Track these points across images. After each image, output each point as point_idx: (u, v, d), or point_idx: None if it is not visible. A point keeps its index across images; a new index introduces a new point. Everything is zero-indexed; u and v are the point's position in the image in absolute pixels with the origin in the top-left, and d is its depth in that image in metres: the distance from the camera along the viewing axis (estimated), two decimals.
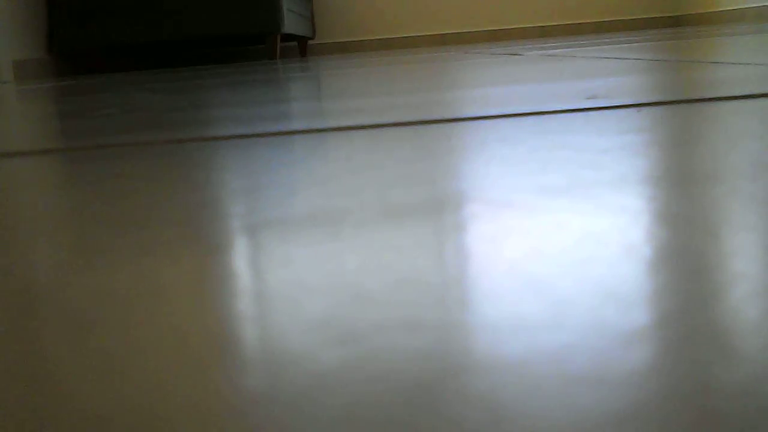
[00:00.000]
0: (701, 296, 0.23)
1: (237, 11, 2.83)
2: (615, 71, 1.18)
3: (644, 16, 4.80)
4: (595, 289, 0.24)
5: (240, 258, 0.31)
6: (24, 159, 0.70)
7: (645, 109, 0.68)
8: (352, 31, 4.78)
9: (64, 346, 0.23)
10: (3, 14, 2.54)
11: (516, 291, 0.24)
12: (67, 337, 0.24)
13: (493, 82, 1.15)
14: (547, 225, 0.32)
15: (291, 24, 3.18)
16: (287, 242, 0.33)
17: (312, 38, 4.46)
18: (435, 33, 4.81)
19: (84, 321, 0.25)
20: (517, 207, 0.36)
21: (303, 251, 0.31)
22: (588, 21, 4.81)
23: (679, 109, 0.67)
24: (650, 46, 2.09)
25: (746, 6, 4.06)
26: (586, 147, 0.51)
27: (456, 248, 0.30)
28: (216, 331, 0.23)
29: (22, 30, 2.66)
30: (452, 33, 4.81)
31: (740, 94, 0.73)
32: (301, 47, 4.30)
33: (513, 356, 0.19)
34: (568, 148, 0.51)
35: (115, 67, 2.99)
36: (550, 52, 2.23)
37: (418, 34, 4.80)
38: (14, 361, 0.22)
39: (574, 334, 0.21)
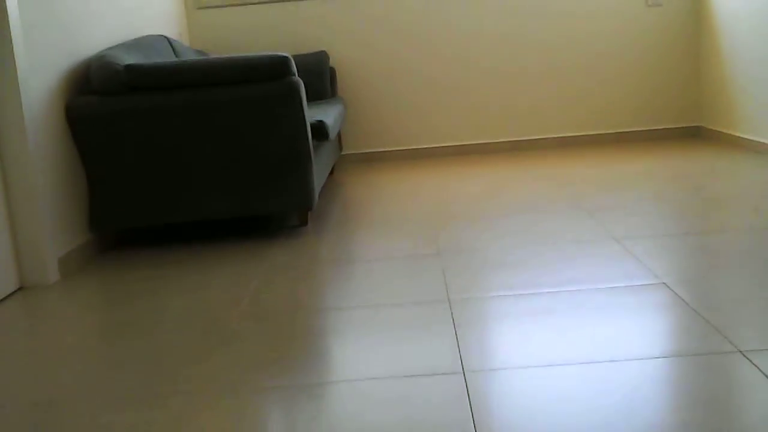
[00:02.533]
0: None
1: (270, 193, 2.99)
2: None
3: (663, 127, 4.91)
4: None
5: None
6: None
7: None
8: (376, 142, 4.93)
9: None
10: (45, 216, 2.60)
11: None
12: None
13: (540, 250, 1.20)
14: None
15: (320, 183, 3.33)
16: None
17: (339, 155, 4.61)
18: (457, 144, 4.94)
19: None
20: None
21: None
22: (608, 132, 4.92)
23: None
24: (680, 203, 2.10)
25: (766, 141, 4.12)
26: None
27: None
28: None
29: (65, 226, 2.77)
30: (474, 144, 4.93)
31: None
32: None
33: None
34: None
35: (152, 240, 3.18)
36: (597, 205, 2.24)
37: (441, 145, 4.93)
38: None
39: None
